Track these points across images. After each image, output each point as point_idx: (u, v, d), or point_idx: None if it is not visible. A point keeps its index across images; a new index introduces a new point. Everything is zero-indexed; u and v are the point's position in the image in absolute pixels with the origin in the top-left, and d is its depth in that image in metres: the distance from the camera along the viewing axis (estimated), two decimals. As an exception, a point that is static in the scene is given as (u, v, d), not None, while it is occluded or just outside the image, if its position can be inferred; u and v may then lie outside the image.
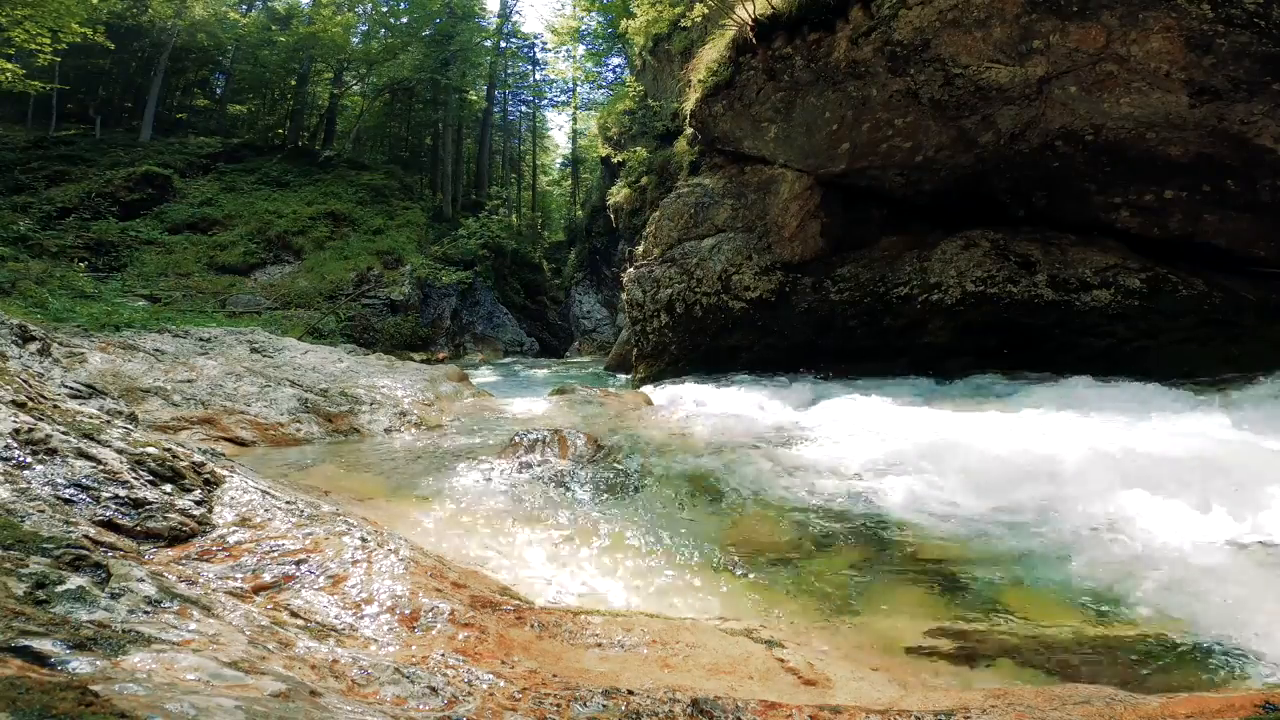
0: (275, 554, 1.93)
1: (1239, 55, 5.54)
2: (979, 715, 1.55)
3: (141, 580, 1.45)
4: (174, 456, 2.20)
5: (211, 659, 1.18)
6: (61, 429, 2.01)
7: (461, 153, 31.62)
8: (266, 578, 1.80)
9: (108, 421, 2.32)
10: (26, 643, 1.01)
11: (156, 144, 22.48)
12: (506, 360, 19.86)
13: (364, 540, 2.16)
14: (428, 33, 26.87)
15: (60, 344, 5.69)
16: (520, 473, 4.26)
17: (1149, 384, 6.00)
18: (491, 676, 1.49)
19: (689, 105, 10.17)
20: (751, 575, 2.91)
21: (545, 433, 4.92)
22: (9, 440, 1.81)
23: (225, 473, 2.35)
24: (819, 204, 9.08)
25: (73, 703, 0.79)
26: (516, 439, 4.85)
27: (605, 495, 3.97)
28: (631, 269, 10.94)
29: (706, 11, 9.99)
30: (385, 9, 28.79)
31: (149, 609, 1.35)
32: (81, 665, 1.01)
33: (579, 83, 34.17)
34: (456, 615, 1.86)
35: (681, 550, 3.17)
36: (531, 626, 1.94)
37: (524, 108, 39.28)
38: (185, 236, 18.52)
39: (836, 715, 1.52)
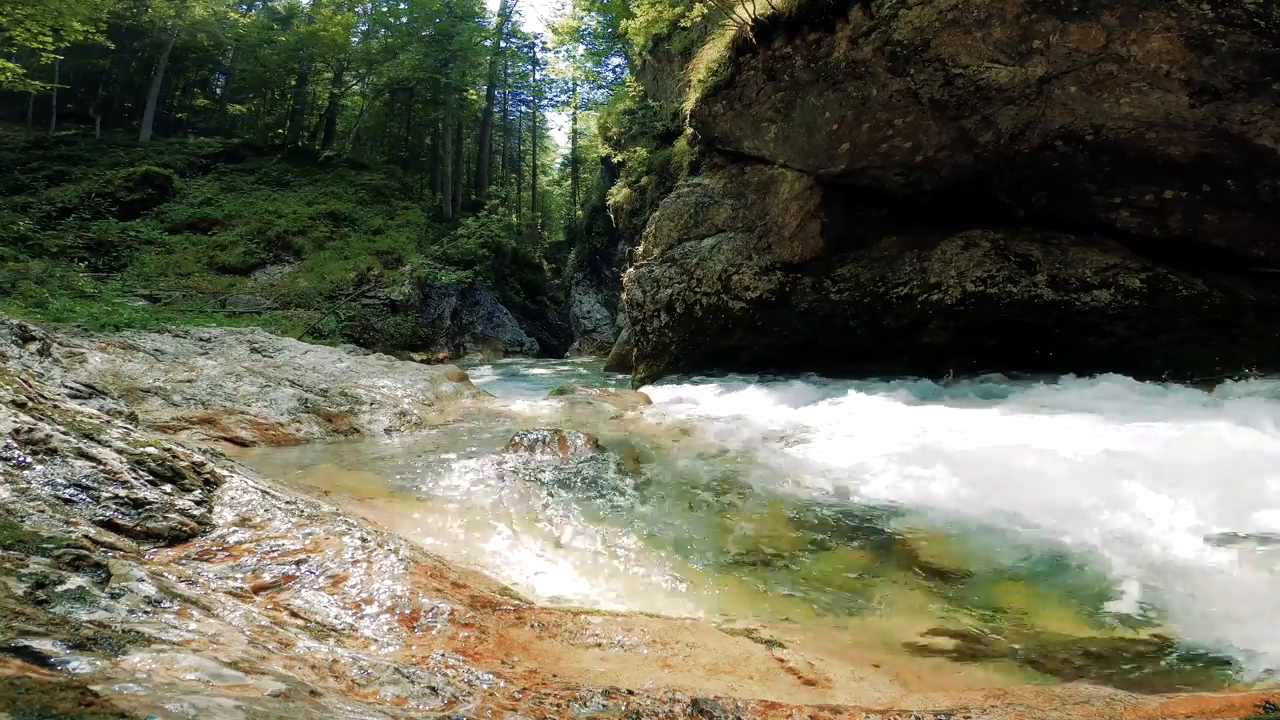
0: (275, 554, 1.93)
1: (1239, 55, 5.54)
2: (979, 715, 1.55)
3: (141, 580, 1.45)
4: (174, 456, 2.20)
5: (211, 659, 1.18)
6: (61, 429, 2.01)
7: (461, 153, 31.60)
8: (266, 578, 1.80)
9: (108, 421, 2.32)
10: (26, 643, 1.01)
11: (156, 144, 22.47)
12: (506, 360, 19.86)
13: (364, 540, 2.16)
14: (427, 33, 26.85)
15: (60, 344, 5.69)
16: (520, 473, 4.25)
17: (1149, 384, 6.00)
18: (491, 676, 1.50)
19: (689, 105, 10.16)
20: (751, 575, 2.91)
21: (545, 433, 4.92)
22: (9, 440, 1.81)
23: (225, 473, 2.35)
24: (819, 204, 9.08)
25: (73, 703, 0.79)
26: (516, 439, 4.84)
27: (605, 495, 3.97)
28: (631, 269, 10.94)
29: (706, 11, 9.98)
30: (385, 9, 28.78)
31: (149, 609, 1.35)
32: (81, 665, 1.01)
33: (579, 83, 34.12)
34: (456, 615, 1.86)
35: (681, 550, 3.17)
36: (531, 626, 1.94)
37: (524, 108, 39.27)
38: (185, 236, 18.51)
39: (836, 715, 1.52)
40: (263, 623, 1.52)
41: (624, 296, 11.39)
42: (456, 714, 1.28)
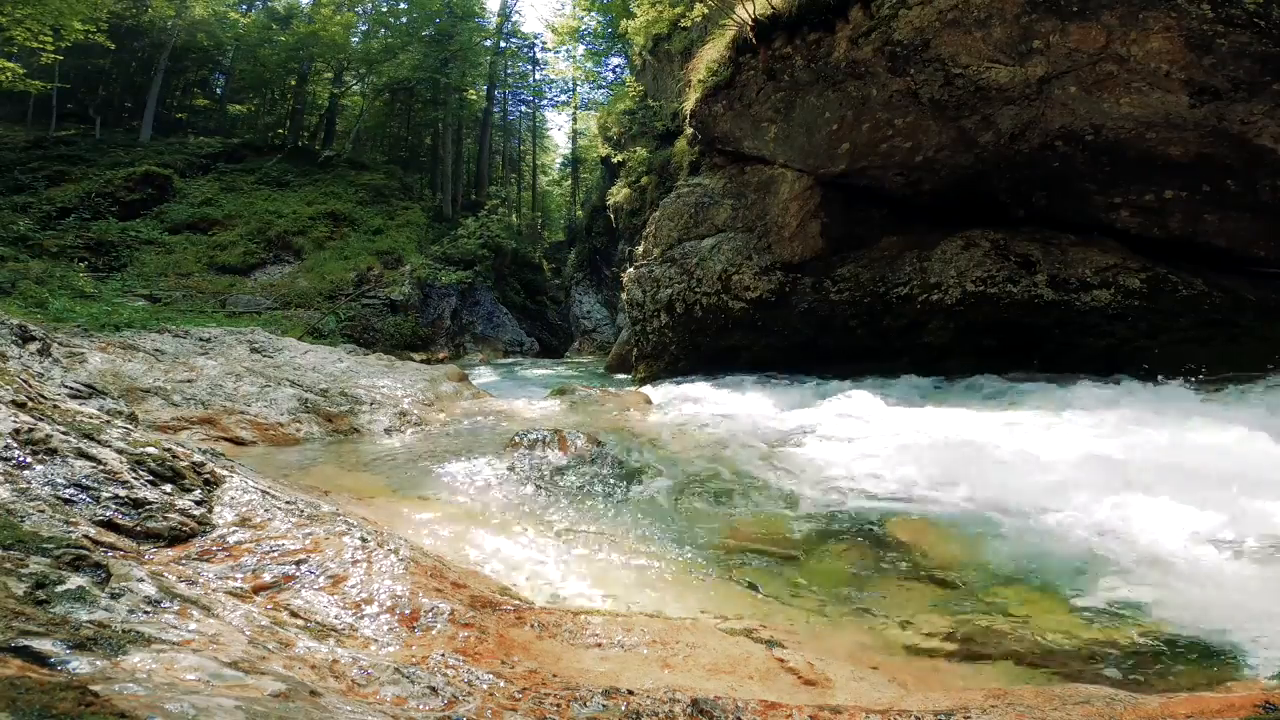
0: (275, 554, 1.93)
1: (1239, 55, 5.54)
2: (979, 715, 1.55)
3: (141, 580, 1.45)
4: (174, 456, 2.20)
5: (211, 659, 1.18)
6: (61, 429, 2.01)
7: (461, 153, 31.60)
8: (266, 578, 1.80)
9: (108, 421, 2.32)
10: (26, 643, 1.01)
11: (156, 144, 22.46)
12: (506, 360, 19.86)
13: (364, 540, 2.16)
14: (428, 32, 26.85)
15: (60, 344, 5.69)
16: (520, 472, 4.25)
17: (1149, 384, 6.00)
18: (491, 676, 1.50)
19: (689, 105, 10.16)
20: (751, 575, 2.91)
21: (545, 433, 4.91)
22: (9, 440, 1.81)
23: (225, 473, 2.35)
24: (819, 204, 9.08)
25: (73, 703, 0.79)
26: (516, 439, 4.84)
27: (605, 495, 3.97)
28: (631, 269, 10.94)
29: (706, 11, 9.99)
30: (385, 9, 28.78)
31: (149, 609, 1.35)
32: (81, 665, 1.01)
33: (579, 83, 34.15)
34: (456, 615, 1.86)
35: (681, 550, 3.17)
36: (531, 626, 1.94)
37: (524, 108, 39.26)
38: (185, 236, 18.51)
39: (836, 715, 1.52)
40: (263, 623, 1.52)
41: (624, 296, 11.39)
42: (456, 714, 1.28)
